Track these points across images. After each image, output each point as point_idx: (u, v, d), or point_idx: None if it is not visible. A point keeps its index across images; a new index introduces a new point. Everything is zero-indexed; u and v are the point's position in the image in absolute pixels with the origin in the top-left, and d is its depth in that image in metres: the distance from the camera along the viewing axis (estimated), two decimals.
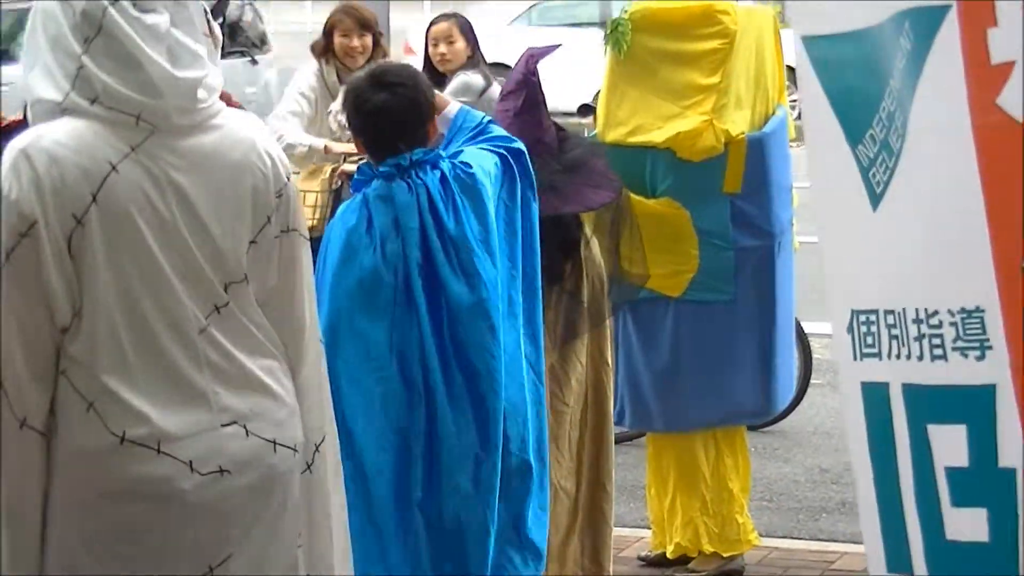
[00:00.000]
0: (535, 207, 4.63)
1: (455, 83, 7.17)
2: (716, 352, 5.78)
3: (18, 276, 3.00)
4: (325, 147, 6.93)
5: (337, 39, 7.22)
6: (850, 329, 3.01)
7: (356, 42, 7.22)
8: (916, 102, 2.86)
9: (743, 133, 5.66)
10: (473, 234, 4.38)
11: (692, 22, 5.69)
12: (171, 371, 3.07)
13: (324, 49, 7.28)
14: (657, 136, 5.63)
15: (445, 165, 4.41)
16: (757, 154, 5.70)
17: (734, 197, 5.69)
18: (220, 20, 6.33)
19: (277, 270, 3.23)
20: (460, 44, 7.19)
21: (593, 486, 5.30)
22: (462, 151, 4.53)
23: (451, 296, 4.35)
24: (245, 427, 3.13)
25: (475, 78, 6.96)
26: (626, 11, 5.76)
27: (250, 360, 3.15)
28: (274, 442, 3.18)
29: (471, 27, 7.38)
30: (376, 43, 7.29)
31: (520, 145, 4.60)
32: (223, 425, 3.11)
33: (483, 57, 7.38)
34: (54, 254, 3.00)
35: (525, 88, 5.49)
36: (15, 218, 2.99)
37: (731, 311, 5.76)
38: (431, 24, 7.35)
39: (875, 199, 2.98)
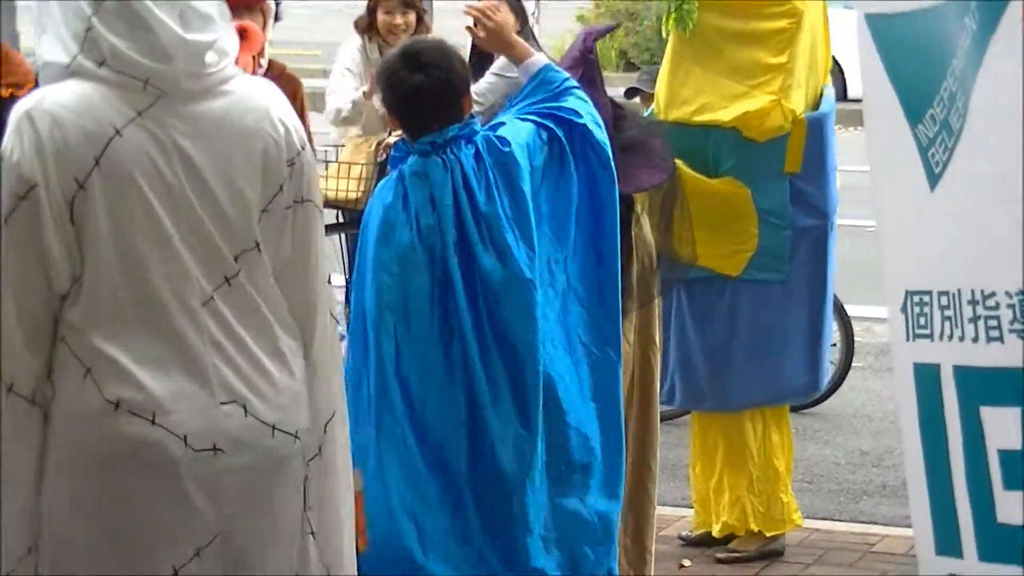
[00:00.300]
0: (603, 179, 4.59)
1: (503, 59, 7.17)
2: (770, 331, 5.76)
3: (16, 239, 2.95)
4: (364, 93, 6.98)
5: (381, 16, 7.23)
6: (904, 309, 2.99)
7: (399, 19, 7.23)
8: (978, 83, 2.84)
9: (803, 113, 5.64)
10: (504, 210, 4.38)
11: (760, 1, 5.66)
12: (172, 342, 3.00)
13: (367, 26, 7.31)
14: (724, 115, 5.59)
15: (479, 140, 4.41)
16: (817, 134, 5.67)
17: (794, 177, 5.67)
18: None
19: (291, 241, 3.15)
20: (505, 17, 7.19)
21: (638, 465, 5.27)
22: (503, 124, 4.53)
23: (483, 272, 4.36)
24: (244, 407, 3.05)
25: None
26: None
27: (257, 338, 3.08)
28: (273, 426, 3.10)
29: (520, 1, 7.37)
30: (419, 20, 7.31)
31: (584, 118, 4.57)
32: (222, 403, 3.03)
33: (532, 32, 7.37)
34: (54, 218, 2.94)
35: (582, 66, 5.48)
36: (15, 181, 2.94)
37: (785, 291, 5.74)
38: None
39: (933, 179, 2.96)
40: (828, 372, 6.31)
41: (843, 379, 7.77)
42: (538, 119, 4.54)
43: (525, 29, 7.31)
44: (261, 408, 3.07)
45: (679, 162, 5.50)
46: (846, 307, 7.65)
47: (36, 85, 3.22)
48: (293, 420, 3.14)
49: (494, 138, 4.43)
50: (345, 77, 7.22)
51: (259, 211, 3.09)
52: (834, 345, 7.52)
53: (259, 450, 3.09)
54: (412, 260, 4.36)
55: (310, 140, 5.73)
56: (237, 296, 3.05)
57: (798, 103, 5.63)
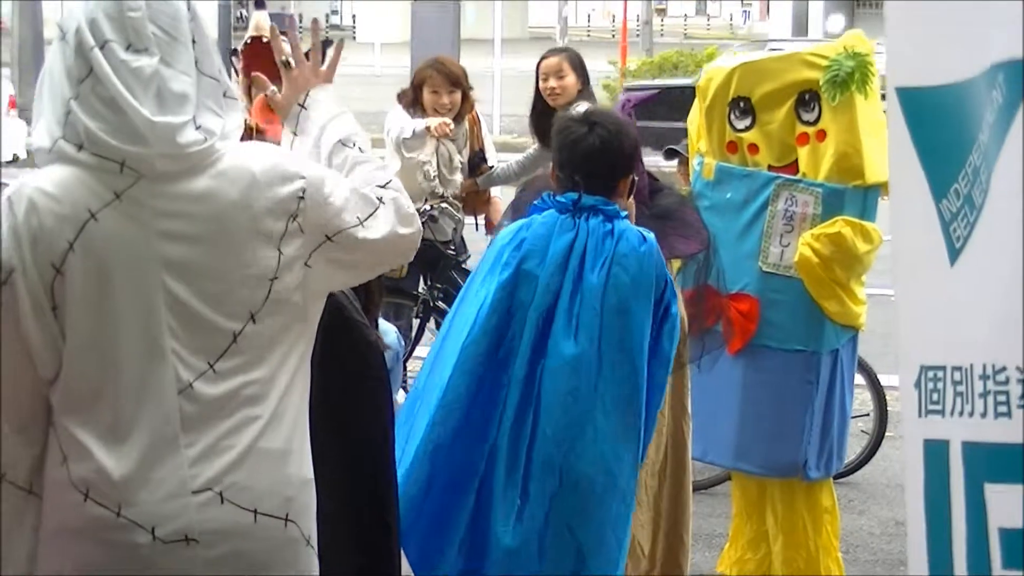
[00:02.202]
0: (666, 350, 4.57)
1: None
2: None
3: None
4: (427, 128, 7.03)
5: (427, 95, 7.31)
6: (917, 384, 2.97)
7: (445, 99, 7.31)
8: (1001, 157, 2.81)
9: None
10: (605, 298, 4.37)
11: None
12: (144, 429, 2.96)
13: (412, 101, 7.37)
14: None
15: (620, 225, 4.41)
16: None
17: None
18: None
19: (335, 271, 3.14)
20: (570, 79, 7.26)
21: (670, 537, 5.26)
22: (651, 234, 4.54)
23: (554, 345, 4.37)
24: (220, 494, 2.97)
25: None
26: (858, 54, 5.68)
27: (243, 417, 3.01)
28: (255, 511, 3.01)
29: (581, 61, 7.42)
30: (465, 98, 7.36)
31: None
32: (194, 492, 2.96)
33: (592, 91, 7.42)
34: (33, 304, 2.93)
35: None
36: None
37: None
38: (541, 59, 7.41)
39: (953, 254, 2.95)
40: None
41: (877, 448, 7.75)
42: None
43: (586, 89, 7.37)
44: (240, 492, 2.99)
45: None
46: (879, 376, 7.65)
47: None
48: (279, 501, 3.04)
49: (638, 231, 4.44)
50: (403, 119, 7.28)
51: (268, 280, 3.02)
52: (867, 415, 7.52)
53: (236, 540, 2.99)
54: (498, 300, 4.40)
55: None
56: (222, 378, 2.99)
57: None
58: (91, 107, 2.94)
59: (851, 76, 5.62)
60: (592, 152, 4.45)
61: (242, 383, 3.03)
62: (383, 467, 3.60)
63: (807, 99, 5.75)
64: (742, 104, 5.89)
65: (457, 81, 7.33)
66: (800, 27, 31.44)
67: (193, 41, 3.04)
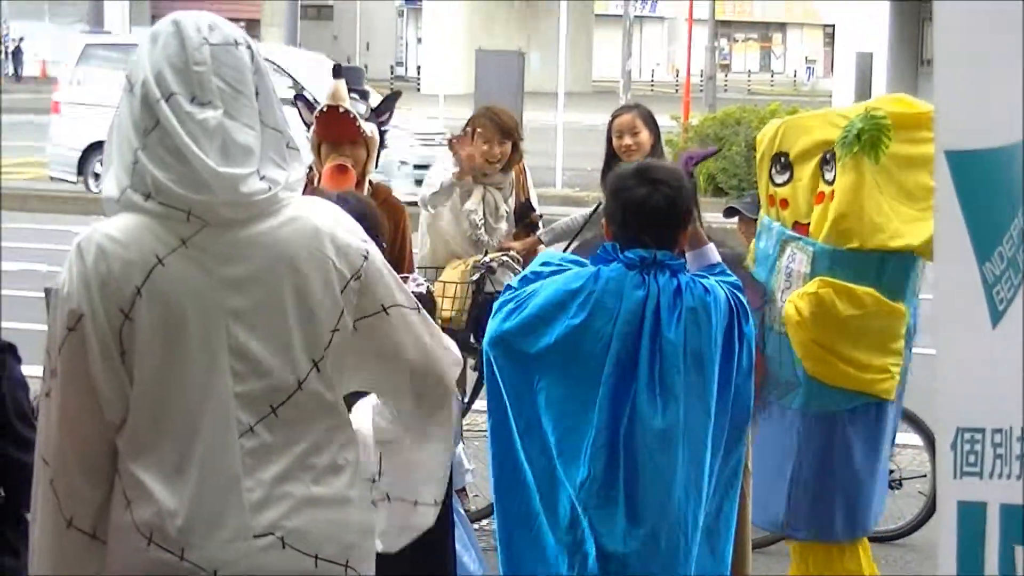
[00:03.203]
0: (744, 365, 4.59)
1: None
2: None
3: (68, 370, 2.99)
4: (454, 174, 7.09)
5: (478, 143, 7.33)
6: (954, 446, 2.97)
7: (496, 150, 7.36)
8: None
9: None
10: (686, 354, 4.39)
11: (917, 124, 5.65)
12: (208, 473, 2.98)
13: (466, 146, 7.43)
14: (913, 240, 5.62)
15: (684, 279, 4.43)
16: None
17: None
18: (386, 116, 6.48)
19: (384, 345, 3.16)
20: (644, 135, 7.31)
21: None
22: (706, 277, 4.56)
23: (641, 411, 4.38)
24: (282, 539, 3.01)
25: None
26: (873, 116, 5.71)
27: (303, 464, 3.04)
28: (316, 556, 3.04)
29: (652, 116, 7.47)
30: (515, 148, 7.41)
31: (742, 295, 4.60)
32: (256, 536, 2.99)
33: (662, 147, 7.46)
34: (102, 349, 2.97)
35: None
36: (65, 313, 2.99)
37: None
38: (614, 116, 7.47)
39: (996, 316, 2.95)
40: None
41: (933, 509, 7.69)
42: (728, 291, 4.56)
43: (658, 145, 7.42)
44: (301, 538, 3.02)
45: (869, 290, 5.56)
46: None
47: None
48: (340, 548, 3.08)
49: (700, 282, 4.45)
50: (436, 172, 7.35)
51: (329, 331, 3.08)
52: (924, 475, 7.47)
53: None
54: (556, 353, 4.42)
55: (410, 265, 5.81)
56: (284, 424, 3.02)
57: None
58: (158, 157, 2.97)
59: (857, 138, 5.65)
60: (659, 211, 4.46)
61: (304, 429, 3.05)
62: (439, 522, 3.61)
63: (828, 158, 5.78)
64: (782, 159, 5.92)
65: (509, 132, 7.39)
66: (864, 84, 31.36)
67: (257, 93, 3.07)
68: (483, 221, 7.34)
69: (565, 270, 4.55)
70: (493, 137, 7.33)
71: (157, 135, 2.98)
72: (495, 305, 4.67)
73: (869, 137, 5.64)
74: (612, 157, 7.36)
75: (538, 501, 4.51)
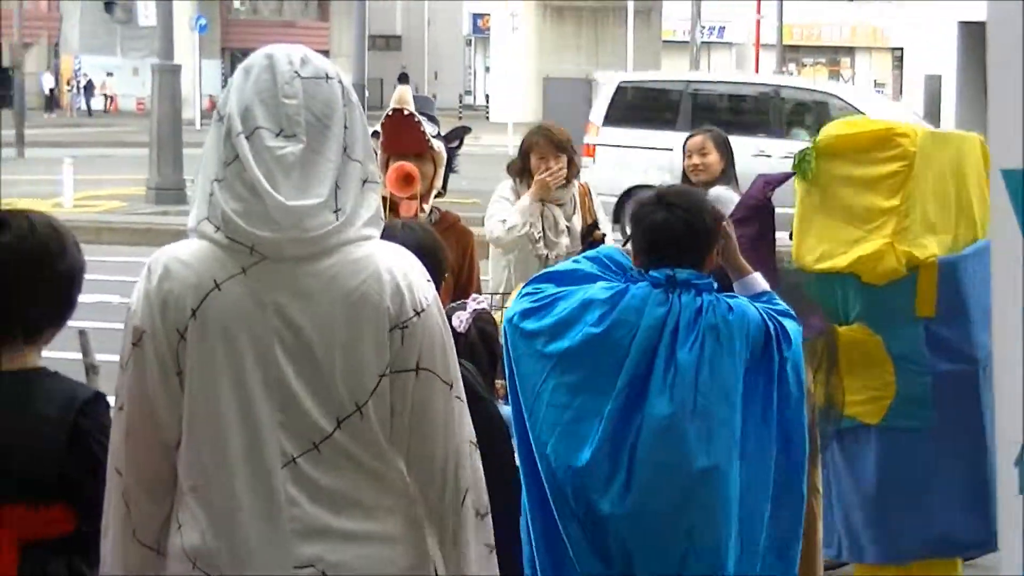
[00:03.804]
0: (793, 392, 4.53)
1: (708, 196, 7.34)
2: (922, 480, 5.67)
3: (132, 386, 3.05)
4: (530, 202, 7.14)
5: (534, 161, 7.40)
6: (1018, 462, 2.99)
7: (553, 164, 7.39)
8: None
9: (934, 256, 5.60)
10: (699, 375, 4.38)
11: (872, 146, 5.68)
12: (250, 501, 3.00)
13: (520, 169, 7.48)
14: (840, 261, 5.63)
15: (708, 297, 4.44)
16: (950, 277, 5.62)
17: (929, 321, 5.62)
18: (456, 144, 6.53)
19: (409, 408, 3.09)
20: (713, 156, 7.39)
21: None
22: (737, 297, 4.56)
23: (649, 410, 4.40)
24: (323, 572, 3.01)
25: (727, 194, 7.04)
26: (814, 139, 5.80)
27: (348, 499, 3.04)
28: None
29: (726, 140, 7.53)
30: (571, 162, 7.46)
31: (792, 325, 4.56)
32: (297, 567, 3.00)
33: (734, 171, 7.51)
34: (160, 367, 3.01)
35: (759, 215, 5.56)
36: (131, 329, 3.05)
37: (935, 438, 5.65)
38: (688, 136, 7.55)
39: None
40: None
41: None
42: (765, 313, 4.54)
43: (730, 169, 7.47)
44: (343, 572, 3.03)
45: None
46: None
47: None
48: None
49: (726, 300, 4.47)
50: (503, 203, 7.41)
51: (377, 375, 3.05)
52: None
53: None
54: (572, 357, 4.46)
55: (478, 290, 5.82)
56: (327, 460, 3.03)
57: (927, 246, 5.60)
58: (233, 190, 3.01)
59: (794, 162, 5.78)
60: (677, 234, 4.50)
61: (347, 468, 3.05)
62: (507, 543, 3.62)
63: None
64: None
65: (563, 146, 7.45)
66: (933, 106, 31.23)
67: (345, 127, 3.10)
68: (541, 234, 7.39)
69: (592, 276, 4.60)
70: (549, 154, 7.39)
71: (235, 168, 3.02)
72: (519, 290, 4.73)
73: (797, 161, 5.73)
74: (684, 176, 7.44)
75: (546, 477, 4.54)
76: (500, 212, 7.37)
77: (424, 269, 3.18)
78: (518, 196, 7.44)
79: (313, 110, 3.06)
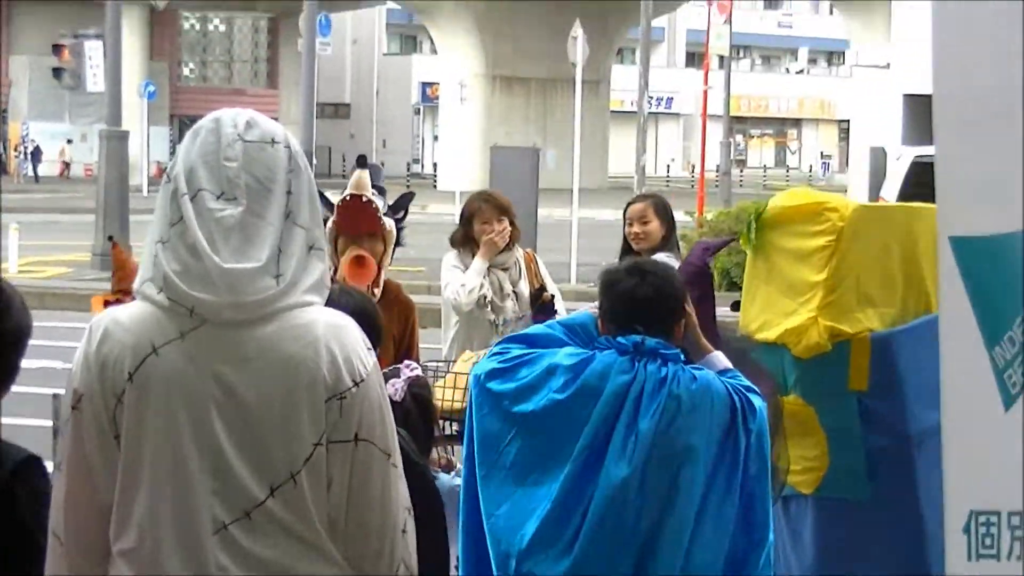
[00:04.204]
0: (756, 467, 4.50)
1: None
2: (860, 552, 5.65)
3: (71, 448, 3.05)
4: (481, 263, 7.21)
5: (477, 226, 7.53)
6: (966, 530, 2.99)
7: (497, 226, 7.48)
8: None
9: (867, 331, 5.58)
10: (655, 445, 4.36)
11: (805, 219, 5.70)
12: (177, 568, 2.98)
13: (463, 238, 7.57)
14: (771, 333, 5.64)
15: (673, 368, 4.43)
16: (884, 352, 5.58)
17: (862, 395, 5.59)
18: (402, 215, 6.63)
19: (347, 481, 3.05)
20: (654, 224, 7.42)
21: None
22: (702, 369, 4.54)
23: (604, 477, 4.37)
24: None
25: (668, 261, 7.05)
26: (763, 208, 5.83)
27: (280, 569, 2.99)
28: None
29: (666, 207, 7.55)
30: (513, 225, 7.57)
31: (757, 400, 4.54)
32: None
33: (676, 239, 7.54)
34: (97, 430, 3.01)
35: (700, 279, 5.57)
36: (71, 391, 3.05)
37: (870, 509, 5.63)
38: (628, 203, 7.57)
39: (1008, 400, 2.98)
40: None
41: None
42: (731, 389, 4.51)
43: (672, 236, 7.49)
44: None
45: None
46: None
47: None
48: None
49: (691, 371, 4.45)
50: (455, 272, 7.47)
51: (312, 444, 3.01)
52: None
53: None
54: (535, 420, 4.45)
55: (417, 359, 5.85)
56: (259, 528, 3.00)
57: (861, 320, 5.58)
58: (176, 252, 3.00)
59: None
60: (647, 301, 4.50)
61: (278, 539, 3.01)
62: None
63: None
64: None
65: (505, 210, 7.58)
66: (878, 178, 31.49)
67: (289, 192, 3.08)
68: (489, 300, 7.45)
69: (561, 341, 4.60)
70: (492, 217, 7.49)
71: (179, 229, 3.02)
72: (491, 348, 4.74)
73: (747, 231, 5.77)
74: (625, 244, 7.44)
75: (491, 551, 4.52)
76: (456, 279, 7.44)
77: (364, 337, 3.15)
78: (465, 266, 7.49)
79: (255, 173, 3.06)
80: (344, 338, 3.08)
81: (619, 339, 4.48)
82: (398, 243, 6.48)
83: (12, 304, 3.37)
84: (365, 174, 6.30)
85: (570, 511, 4.40)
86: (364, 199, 6.22)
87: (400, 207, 6.56)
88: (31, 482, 3.29)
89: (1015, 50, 2.99)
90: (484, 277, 7.44)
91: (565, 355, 4.51)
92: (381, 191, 6.46)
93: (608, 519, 4.37)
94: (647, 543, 4.38)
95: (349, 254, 6.19)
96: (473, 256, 7.50)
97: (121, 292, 4.44)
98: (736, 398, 4.47)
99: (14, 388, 3.43)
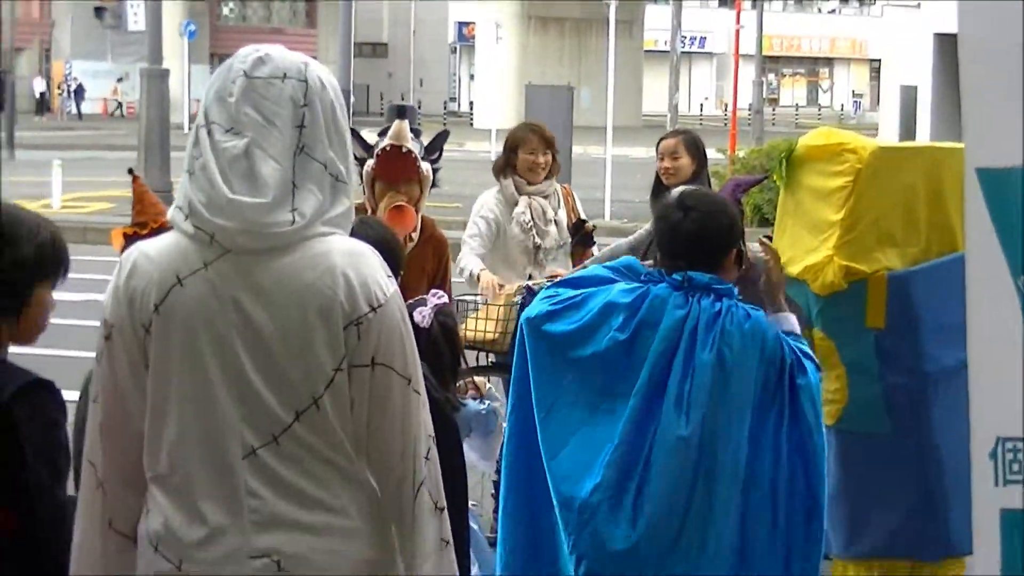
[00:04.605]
0: (810, 422, 4.53)
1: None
2: (875, 485, 5.73)
3: (103, 379, 3.13)
4: (478, 276, 7.27)
5: (522, 155, 7.58)
6: (993, 455, 3.04)
7: (540, 159, 7.59)
8: None
9: (884, 269, 5.64)
10: (715, 375, 4.43)
11: (826, 159, 5.74)
12: (209, 490, 3.04)
13: (503, 166, 7.64)
14: (793, 269, 5.66)
15: (727, 303, 4.48)
16: (901, 291, 5.63)
17: (879, 333, 5.65)
18: (436, 155, 6.66)
19: (366, 404, 3.10)
20: (684, 160, 7.42)
21: None
22: (758, 309, 4.58)
23: (666, 422, 4.43)
24: (278, 562, 3.03)
25: None
26: (793, 145, 5.88)
27: (309, 491, 3.05)
28: None
29: (698, 143, 7.58)
30: (554, 158, 7.65)
31: (811, 365, 4.56)
32: (252, 557, 3.03)
33: (707, 174, 7.58)
34: (129, 360, 3.08)
35: None
36: (103, 323, 3.12)
37: (891, 445, 5.70)
38: (661, 139, 7.60)
39: None
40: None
41: None
42: (786, 343, 4.55)
43: (703, 172, 7.52)
44: (298, 563, 3.05)
45: None
46: None
47: (163, 227, 3.39)
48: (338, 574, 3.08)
49: (745, 308, 4.51)
50: (478, 226, 7.57)
51: (331, 370, 3.06)
52: None
53: None
54: (597, 360, 4.51)
55: (449, 294, 5.91)
56: (287, 452, 3.05)
57: (880, 260, 5.63)
58: (198, 182, 3.06)
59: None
60: (691, 236, 4.56)
61: (306, 462, 3.07)
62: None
63: None
64: None
65: (550, 143, 7.67)
66: (909, 116, 31.33)
67: (303, 126, 3.10)
68: (532, 224, 7.53)
69: (611, 279, 4.66)
70: (537, 148, 7.57)
71: (201, 161, 3.08)
72: (540, 292, 4.80)
73: (778, 167, 5.83)
74: (657, 180, 7.49)
75: (553, 490, 4.59)
76: (468, 244, 7.56)
77: (384, 263, 3.18)
78: (502, 196, 7.57)
79: (258, 108, 3.09)
80: (360, 265, 3.10)
81: (673, 276, 4.52)
82: (434, 184, 6.54)
83: (20, 234, 3.38)
84: (404, 124, 6.36)
85: (633, 456, 4.44)
86: (404, 149, 6.30)
87: (435, 148, 6.61)
88: (33, 406, 3.32)
89: None
90: (527, 209, 7.53)
91: (620, 292, 4.56)
92: (416, 133, 6.52)
93: (668, 470, 4.43)
94: (703, 494, 4.45)
95: (389, 201, 6.28)
96: (514, 184, 7.58)
97: (138, 225, 4.49)
98: (786, 348, 4.51)
99: (57, 320, 3.47)
